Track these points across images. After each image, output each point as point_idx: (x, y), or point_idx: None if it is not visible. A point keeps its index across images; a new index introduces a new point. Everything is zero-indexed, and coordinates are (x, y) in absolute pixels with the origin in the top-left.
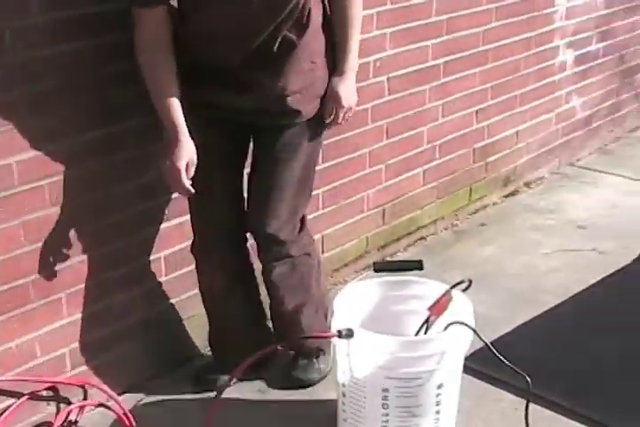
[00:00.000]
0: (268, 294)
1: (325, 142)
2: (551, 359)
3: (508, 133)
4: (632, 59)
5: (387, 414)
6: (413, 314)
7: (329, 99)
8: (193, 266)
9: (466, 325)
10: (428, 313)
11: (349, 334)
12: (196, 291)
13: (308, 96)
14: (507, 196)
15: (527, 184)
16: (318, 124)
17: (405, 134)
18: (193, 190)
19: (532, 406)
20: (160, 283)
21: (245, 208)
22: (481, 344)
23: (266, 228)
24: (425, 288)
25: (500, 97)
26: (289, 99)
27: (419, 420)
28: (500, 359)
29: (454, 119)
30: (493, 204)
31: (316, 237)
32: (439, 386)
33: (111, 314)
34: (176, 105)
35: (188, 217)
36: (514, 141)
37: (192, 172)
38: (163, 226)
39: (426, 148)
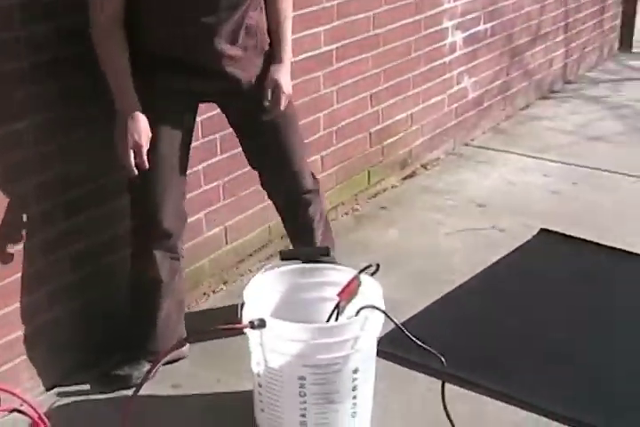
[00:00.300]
0: (306, 231)
1: (222, 133)
2: (462, 337)
3: (403, 116)
4: (520, 37)
5: (304, 402)
6: (324, 301)
7: (270, 86)
8: (101, 262)
9: (377, 308)
10: (338, 299)
11: (262, 324)
12: (106, 289)
13: (258, 64)
14: (405, 178)
15: (424, 166)
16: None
17: (302, 121)
18: (148, 166)
19: (447, 385)
20: (67, 282)
21: (265, 179)
22: (392, 328)
23: (299, 190)
24: (333, 274)
25: (393, 80)
26: (254, 79)
27: (336, 406)
28: (412, 340)
29: (349, 104)
30: (392, 187)
31: (219, 228)
32: (355, 371)
33: (18, 316)
34: (130, 82)
35: (96, 212)
36: (408, 124)
37: (147, 145)
38: (67, 223)
39: (323, 134)
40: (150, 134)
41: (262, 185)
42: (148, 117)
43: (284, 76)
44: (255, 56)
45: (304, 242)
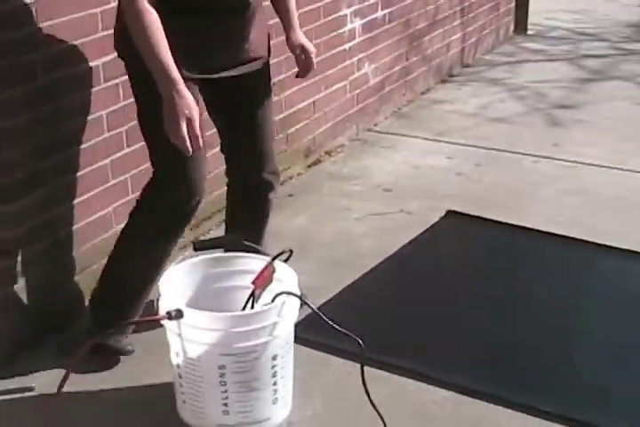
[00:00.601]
0: (261, 217)
1: (128, 126)
2: (377, 320)
3: (306, 104)
4: (417, 23)
5: (225, 391)
6: (239, 289)
7: (299, 52)
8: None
9: (292, 294)
10: (253, 287)
11: (179, 314)
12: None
13: (265, 41)
14: (310, 166)
15: (328, 153)
16: (267, 65)
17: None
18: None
19: (365, 368)
20: None
21: (236, 162)
22: (308, 313)
23: (269, 169)
24: (247, 262)
25: (295, 68)
26: (261, 48)
27: (258, 393)
28: (329, 325)
29: None
30: (298, 175)
31: None
32: (274, 357)
33: None
34: (171, 59)
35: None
36: (311, 112)
37: (198, 120)
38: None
39: None
40: (199, 111)
41: (229, 171)
42: None
43: (304, 38)
44: (261, 26)
45: (254, 230)
